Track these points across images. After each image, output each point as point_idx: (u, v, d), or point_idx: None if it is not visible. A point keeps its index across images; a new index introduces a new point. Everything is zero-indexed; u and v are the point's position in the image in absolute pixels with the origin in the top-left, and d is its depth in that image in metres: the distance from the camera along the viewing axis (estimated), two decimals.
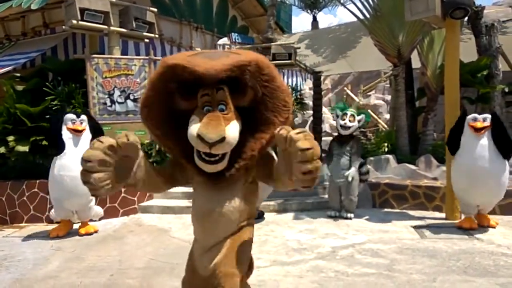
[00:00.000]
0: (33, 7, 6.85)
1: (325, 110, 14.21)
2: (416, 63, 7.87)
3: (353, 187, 5.36)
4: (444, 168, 5.68)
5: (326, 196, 5.96)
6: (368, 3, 7.21)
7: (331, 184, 5.55)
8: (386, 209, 5.86)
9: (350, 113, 5.36)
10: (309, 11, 22.78)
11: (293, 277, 3.40)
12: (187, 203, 6.04)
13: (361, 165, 5.47)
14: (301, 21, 64.54)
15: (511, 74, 8.29)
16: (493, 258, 3.73)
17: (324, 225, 5.13)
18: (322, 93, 10.86)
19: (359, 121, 5.41)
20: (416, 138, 7.45)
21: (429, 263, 3.65)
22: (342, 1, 10.96)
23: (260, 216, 5.40)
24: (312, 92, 11.39)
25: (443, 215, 5.33)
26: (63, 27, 6.28)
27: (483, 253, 3.87)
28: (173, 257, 3.97)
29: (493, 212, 5.33)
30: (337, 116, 5.43)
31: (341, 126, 5.35)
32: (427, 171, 6.26)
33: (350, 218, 5.32)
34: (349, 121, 5.32)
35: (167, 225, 5.26)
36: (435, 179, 6.01)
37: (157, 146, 6.38)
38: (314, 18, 22.92)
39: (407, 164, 6.43)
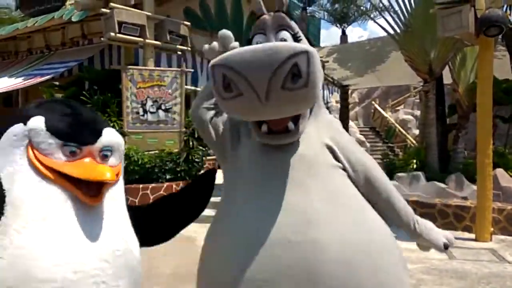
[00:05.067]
0: (73, 19, 7.21)
1: (352, 124, 14.11)
2: (447, 78, 7.76)
3: None
4: (474, 187, 5.54)
5: None
6: (399, 18, 7.19)
7: None
8: None
9: None
10: (338, 25, 22.79)
11: None
12: (212, 212, 6.13)
13: None
14: (330, 34, 64.54)
15: None
16: None
17: None
18: (349, 106, 10.82)
19: None
20: (447, 155, 7.30)
21: (457, 285, 3.57)
22: (372, 16, 10.96)
23: None
24: (338, 105, 11.38)
25: (472, 235, 5.18)
26: (101, 38, 6.55)
27: None
28: None
29: None
30: None
31: None
32: (457, 190, 6.12)
33: None
34: None
35: (192, 234, 5.32)
36: (465, 198, 5.87)
37: (185, 155, 6.54)
38: (343, 32, 22.91)
39: (437, 182, 6.30)
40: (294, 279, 1.22)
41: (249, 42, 1.51)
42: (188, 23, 7.27)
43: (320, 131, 1.49)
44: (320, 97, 1.52)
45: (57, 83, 7.62)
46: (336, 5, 19.14)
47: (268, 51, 1.18)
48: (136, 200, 5.95)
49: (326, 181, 1.39)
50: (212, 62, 1.26)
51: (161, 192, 6.14)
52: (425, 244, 1.59)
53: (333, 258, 1.25)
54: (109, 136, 1.36)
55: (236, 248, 1.32)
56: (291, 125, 1.35)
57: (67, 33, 9.24)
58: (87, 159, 1.32)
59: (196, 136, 6.82)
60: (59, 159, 1.27)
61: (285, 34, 1.50)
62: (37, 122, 1.25)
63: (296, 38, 1.51)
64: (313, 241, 1.25)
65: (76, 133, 1.30)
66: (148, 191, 6.04)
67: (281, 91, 1.19)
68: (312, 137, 1.46)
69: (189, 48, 7.48)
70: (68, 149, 1.28)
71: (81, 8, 6.83)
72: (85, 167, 1.30)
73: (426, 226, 1.58)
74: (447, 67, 7.25)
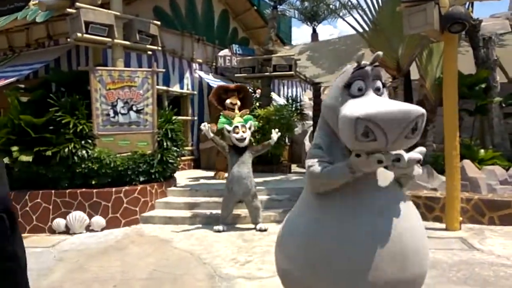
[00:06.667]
0: (38, 20, 6.96)
1: None
2: (414, 74, 7.97)
3: (256, 194, 5.58)
4: (443, 179, 5.73)
5: None
6: (367, 16, 7.33)
7: (229, 196, 5.49)
8: None
9: (241, 124, 5.46)
10: (308, 23, 22.98)
11: None
12: (188, 213, 6.09)
13: None
14: (302, 32, 64.63)
15: (508, 86, 8.40)
16: (493, 269, 3.77)
17: None
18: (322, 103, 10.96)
19: (249, 128, 5.51)
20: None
21: (429, 274, 3.65)
22: (341, 14, 11.12)
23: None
24: (312, 102, 11.50)
25: (443, 225, 5.36)
26: (68, 39, 6.35)
27: (483, 264, 3.91)
28: (175, 268, 4.00)
29: (492, 222, 5.38)
30: (229, 132, 5.44)
31: (237, 139, 5.39)
32: (426, 182, 6.31)
33: (266, 229, 5.40)
34: (243, 132, 5.41)
35: (168, 236, 5.29)
36: (434, 189, 6.06)
37: (159, 156, 6.45)
38: (314, 30, 23.13)
39: None
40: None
41: (350, 85, 2.01)
42: (158, 23, 7.14)
43: None
44: None
45: (22, 85, 7.32)
46: (306, 4, 19.28)
47: (404, 112, 1.74)
48: (110, 204, 5.83)
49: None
50: (357, 115, 1.73)
51: (135, 194, 6.04)
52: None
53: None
54: None
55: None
56: None
57: (32, 34, 8.92)
58: None
59: (169, 136, 6.73)
60: None
61: (378, 83, 2.05)
62: None
63: (384, 85, 2.08)
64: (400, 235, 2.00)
65: None
66: (122, 194, 5.93)
67: (403, 139, 1.78)
68: None
69: (159, 48, 7.35)
70: None
71: (46, 9, 6.58)
72: None
73: None
74: (414, 63, 7.45)
